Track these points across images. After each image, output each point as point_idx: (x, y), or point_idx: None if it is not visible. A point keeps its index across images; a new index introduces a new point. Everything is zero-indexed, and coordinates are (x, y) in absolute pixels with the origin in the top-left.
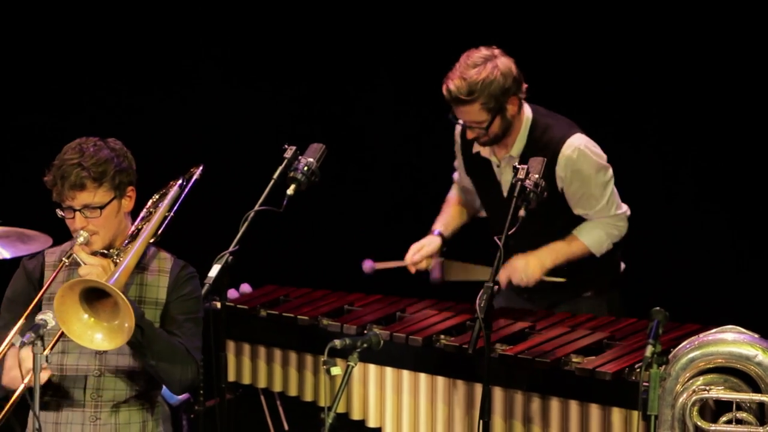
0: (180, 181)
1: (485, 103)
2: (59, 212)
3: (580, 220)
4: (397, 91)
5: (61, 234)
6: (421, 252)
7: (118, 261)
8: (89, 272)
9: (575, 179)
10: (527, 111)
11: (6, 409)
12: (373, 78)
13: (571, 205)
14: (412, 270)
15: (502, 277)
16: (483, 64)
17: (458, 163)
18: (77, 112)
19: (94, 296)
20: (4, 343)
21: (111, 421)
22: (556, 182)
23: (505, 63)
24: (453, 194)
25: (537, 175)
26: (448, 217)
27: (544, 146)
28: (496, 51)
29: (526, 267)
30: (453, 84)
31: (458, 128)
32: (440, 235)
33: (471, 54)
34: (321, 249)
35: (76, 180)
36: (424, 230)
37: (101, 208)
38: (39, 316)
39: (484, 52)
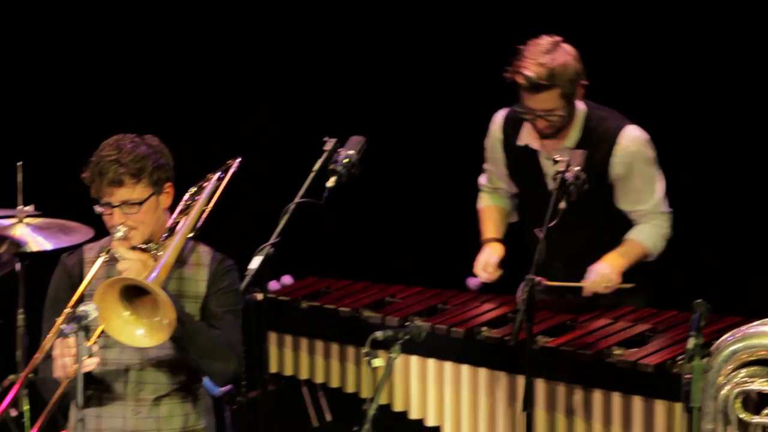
0: (218, 174)
1: (563, 88)
2: (97, 208)
3: (616, 217)
4: (437, 84)
5: (102, 225)
6: (491, 265)
7: (157, 256)
8: (128, 268)
9: (634, 171)
10: (580, 103)
11: (56, 396)
12: (413, 73)
13: (622, 200)
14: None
15: (589, 284)
16: (555, 50)
17: (493, 160)
18: (116, 105)
19: (134, 292)
20: (52, 331)
21: (153, 414)
22: (608, 174)
23: (571, 49)
24: (486, 201)
25: (578, 167)
26: (496, 222)
27: (599, 138)
28: (557, 38)
29: (612, 273)
30: (531, 71)
31: (498, 122)
32: (499, 241)
33: (537, 42)
34: (361, 241)
35: (114, 177)
36: (462, 220)
37: (139, 204)
38: (81, 307)
39: (548, 39)
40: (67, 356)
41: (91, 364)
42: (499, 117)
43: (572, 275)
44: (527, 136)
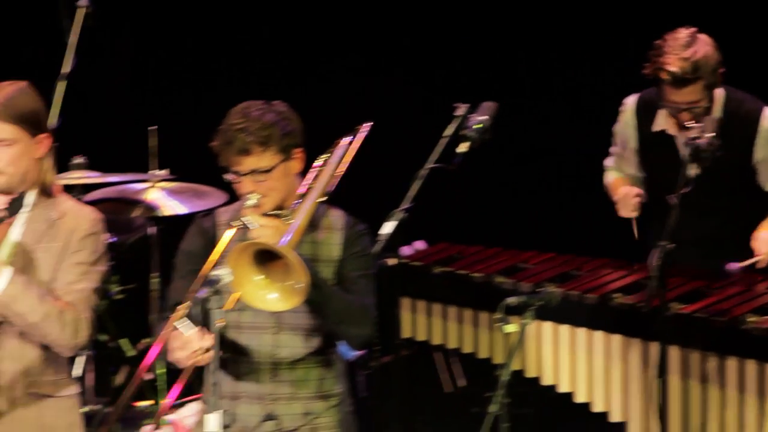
0: (348, 139)
1: (706, 79)
2: (228, 176)
3: (754, 200)
4: (572, 50)
5: (235, 190)
6: (632, 195)
7: (289, 222)
8: (261, 234)
9: None
10: (718, 89)
11: (186, 373)
12: (548, 39)
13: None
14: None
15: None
16: (695, 42)
17: (623, 144)
18: (250, 71)
19: (266, 258)
20: (168, 326)
21: (288, 378)
22: (752, 156)
23: (708, 39)
24: (614, 175)
25: (711, 134)
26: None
27: (741, 120)
28: (693, 29)
29: None
30: (675, 66)
31: (630, 107)
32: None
33: (675, 36)
34: (493, 207)
35: (242, 146)
36: (596, 186)
37: (268, 171)
38: (213, 272)
39: (685, 31)
40: (182, 350)
41: (206, 344)
42: (631, 102)
43: (706, 258)
44: (663, 122)
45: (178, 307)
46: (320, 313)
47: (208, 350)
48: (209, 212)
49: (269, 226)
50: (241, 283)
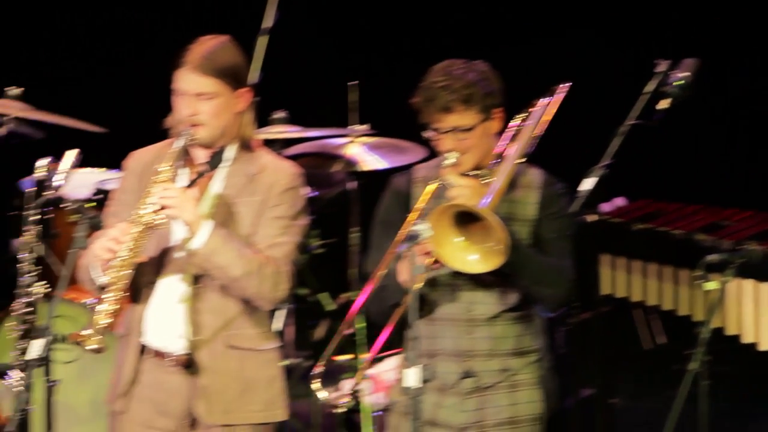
0: (546, 99)
1: None
2: (427, 134)
3: None
4: None
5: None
6: None
7: (487, 182)
8: (460, 194)
9: None
10: None
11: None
12: None
13: None
14: None
15: None
16: None
17: None
18: (450, 28)
19: (465, 218)
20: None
21: (486, 335)
22: None
23: None
24: None
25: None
26: None
27: None
28: None
29: None
30: None
31: None
32: None
33: None
34: (694, 164)
35: (444, 103)
36: None
37: (469, 130)
38: (414, 227)
39: None
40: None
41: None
42: None
43: None
44: None
45: (375, 274)
46: (516, 273)
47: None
48: (404, 170)
49: (468, 186)
50: (441, 245)
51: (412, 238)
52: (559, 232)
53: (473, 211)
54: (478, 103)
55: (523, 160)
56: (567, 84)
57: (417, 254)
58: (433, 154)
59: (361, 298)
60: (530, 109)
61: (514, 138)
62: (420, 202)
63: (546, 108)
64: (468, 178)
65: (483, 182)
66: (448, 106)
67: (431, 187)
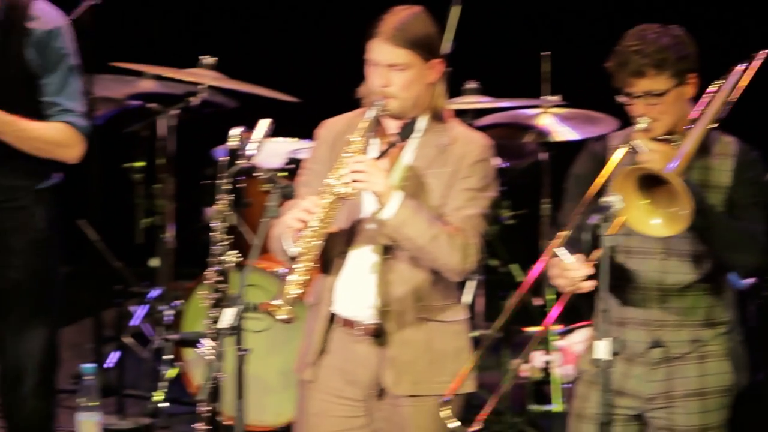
0: (743, 66)
1: None
2: (619, 99)
3: None
4: None
5: (627, 117)
6: None
7: (678, 147)
8: (649, 159)
9: None
10: None
11: (564, 299)
12: None
13: None
14: None
15: None
16: None
17: None
18: None
19: (652, 183)
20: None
21: (677, 305)
22: None
23: None
24: None
25: None
26: None
27: None
28: None
29: None
30: None
31: None
32: None
33: None
34: None
35: (636, 67)
36: None
37: (661, 95)
38: (604, 198)
39: None
40: (562, 277)
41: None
42: None
43: None
44: None
45: (558, 234)
46: (705, 239)
47: (587, 278)
48: (602, 137)
49: (658, 151)
50: (627, 207)
51: (603, 209)
52: (755, 198)
53: (659, 175)
54: (671, 68)
55: (715, 125)
56: (765, 51)
57: (605, 227)
58: (625, 124)
59: (537, 267)
60: (726, 75)
61: (708, 104)
62: (608, 168)
63: (742, 74)
64: (659, 143)
65: (674, 147)
66: (640, 70)
67: (622, 151)
